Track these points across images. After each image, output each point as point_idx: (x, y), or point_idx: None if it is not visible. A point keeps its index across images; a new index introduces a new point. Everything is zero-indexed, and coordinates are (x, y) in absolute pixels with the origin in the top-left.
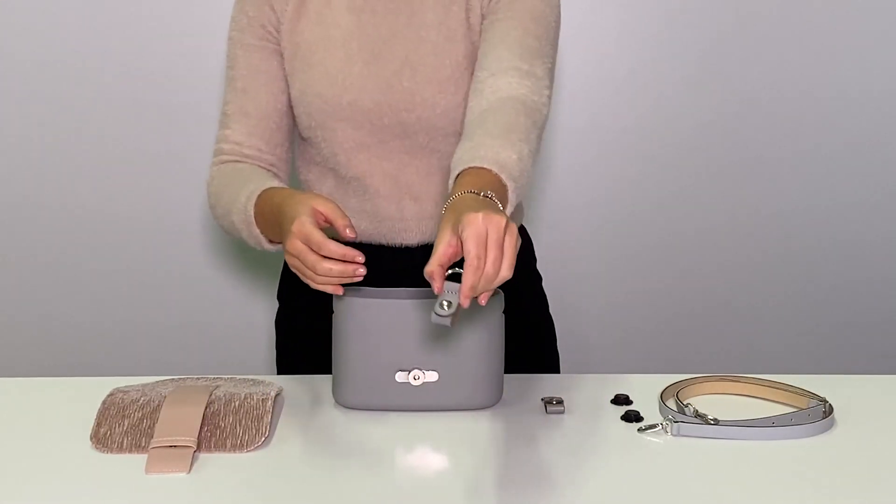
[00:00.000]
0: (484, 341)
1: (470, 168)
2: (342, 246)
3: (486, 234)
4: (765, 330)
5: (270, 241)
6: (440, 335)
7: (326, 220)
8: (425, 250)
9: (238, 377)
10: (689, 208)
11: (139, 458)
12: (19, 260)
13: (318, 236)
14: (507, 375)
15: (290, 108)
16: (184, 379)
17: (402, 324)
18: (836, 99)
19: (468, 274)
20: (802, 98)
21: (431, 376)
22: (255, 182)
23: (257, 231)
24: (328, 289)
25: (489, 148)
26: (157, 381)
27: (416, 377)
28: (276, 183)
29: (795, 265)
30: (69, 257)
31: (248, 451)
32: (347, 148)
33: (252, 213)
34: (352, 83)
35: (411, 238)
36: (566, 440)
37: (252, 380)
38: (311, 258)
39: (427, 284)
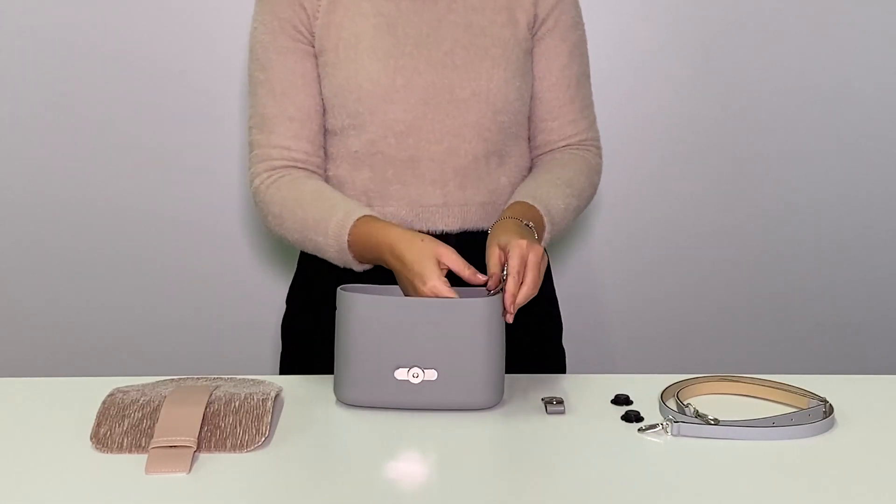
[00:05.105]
0: (484, 341)
1: (524, 202)
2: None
3: (528, 257)
4: (765, 330)
5: (360, 263)
6: (440, 334)
7: (448, 269)
8: (463, 237)
9: (238, 377)
10: (687, 209)
11: (139, 458)
12: (20, 259)
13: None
14: (507, 375)
15: (324, 108)
16: (184, 379)
17: (402, 321)
18: (836, 99)
19: (510, 284)
20: (801, 98)
21: (431, 374)
22: (342, 206)
23: (350, 258)
24: None
25: (545, 191)
26: (157, 381)
27: (416, 375)
28: (351, 200)
29: (795, 265)
30: (70, 257)
31: (248, 451)
32: (398, 131)
33: (346, 242)
34: (404, 64)
35: (453, 224)
36: (566, 440)
37: (252, 380)
38: None
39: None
